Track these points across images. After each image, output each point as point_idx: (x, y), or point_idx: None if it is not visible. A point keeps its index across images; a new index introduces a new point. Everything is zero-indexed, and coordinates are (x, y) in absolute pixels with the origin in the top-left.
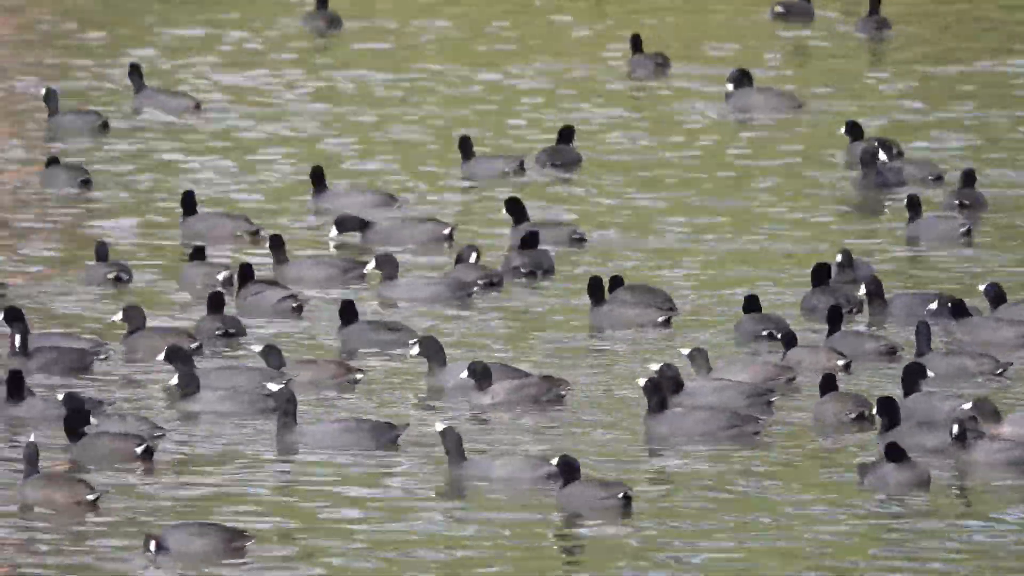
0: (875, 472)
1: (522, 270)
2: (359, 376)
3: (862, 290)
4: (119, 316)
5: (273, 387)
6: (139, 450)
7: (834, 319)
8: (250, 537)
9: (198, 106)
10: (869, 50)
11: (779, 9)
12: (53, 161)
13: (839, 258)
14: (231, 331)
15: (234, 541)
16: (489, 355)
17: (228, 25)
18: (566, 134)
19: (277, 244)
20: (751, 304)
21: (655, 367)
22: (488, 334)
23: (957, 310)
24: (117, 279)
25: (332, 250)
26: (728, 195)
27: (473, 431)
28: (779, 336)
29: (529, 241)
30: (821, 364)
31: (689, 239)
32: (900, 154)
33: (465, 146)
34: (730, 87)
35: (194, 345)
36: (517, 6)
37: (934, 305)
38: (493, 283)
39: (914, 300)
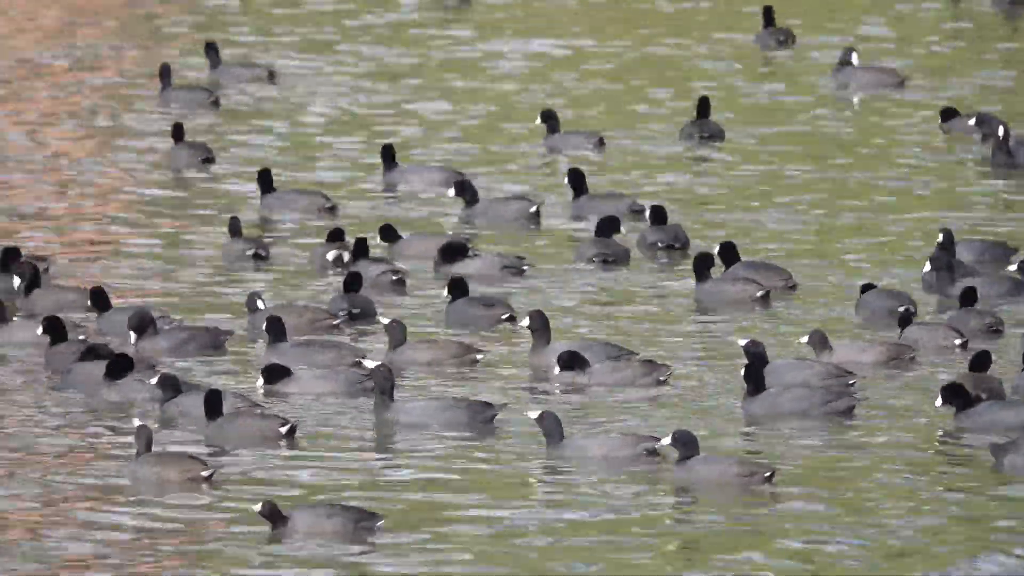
0: (1016, 453)
1: (659, 245)
2: (479, 356)
3: (927, 267)
4: (265, 307)
5: (370, 364)
6: (283, 430)
7: (967, 298)
8: (380, 517)
9: (272, 75)
10: (1004, 27)
11: None
12: (178, 135)
13: (940, 238)
14: (354, 311)
15: (363, 521)
16: (590, 331)
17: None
18: (704, 106)
19: (388, 231)
20: (869, 284)
21: (742, 343)
22: (588, 312)
23: None
24: (256, 256)
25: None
26: (841, 170)
27: (571, 410)
28: (903, 312)
29: (659, 216)
30: (938, 343)
31: (803, 215)
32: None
33: (549, 120)
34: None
35: (334, 322)
36: None
37: (1013, 267)
38: (607, 260)
39: (983, 282)
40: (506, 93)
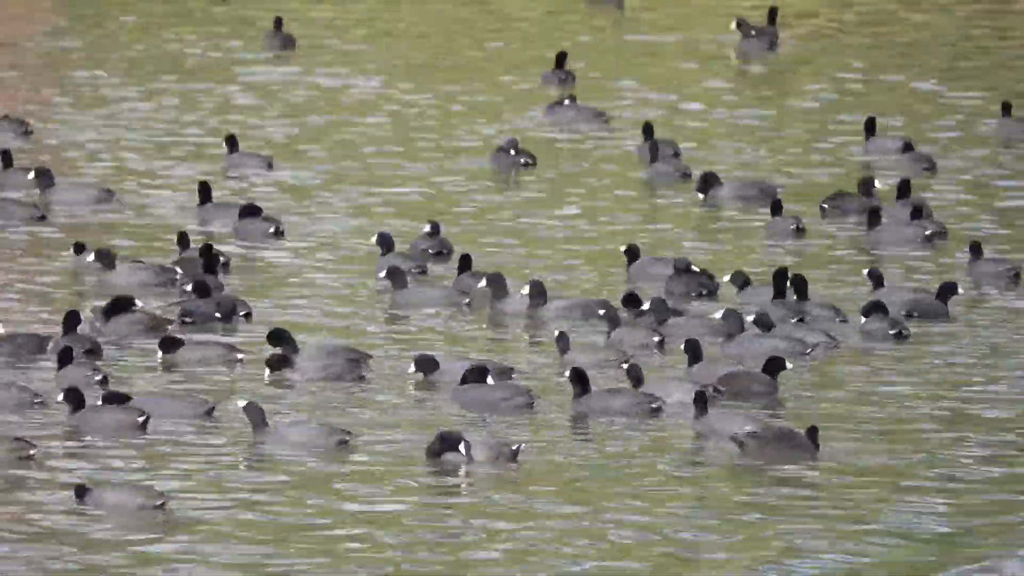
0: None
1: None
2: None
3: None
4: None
5: (241, 402)
6: (140, 420)
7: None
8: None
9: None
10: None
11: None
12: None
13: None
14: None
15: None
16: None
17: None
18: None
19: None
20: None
21: (414, 356)
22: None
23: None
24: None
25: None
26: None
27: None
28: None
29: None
30: (640, 341)
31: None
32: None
33: (230, 142)
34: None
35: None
36: None
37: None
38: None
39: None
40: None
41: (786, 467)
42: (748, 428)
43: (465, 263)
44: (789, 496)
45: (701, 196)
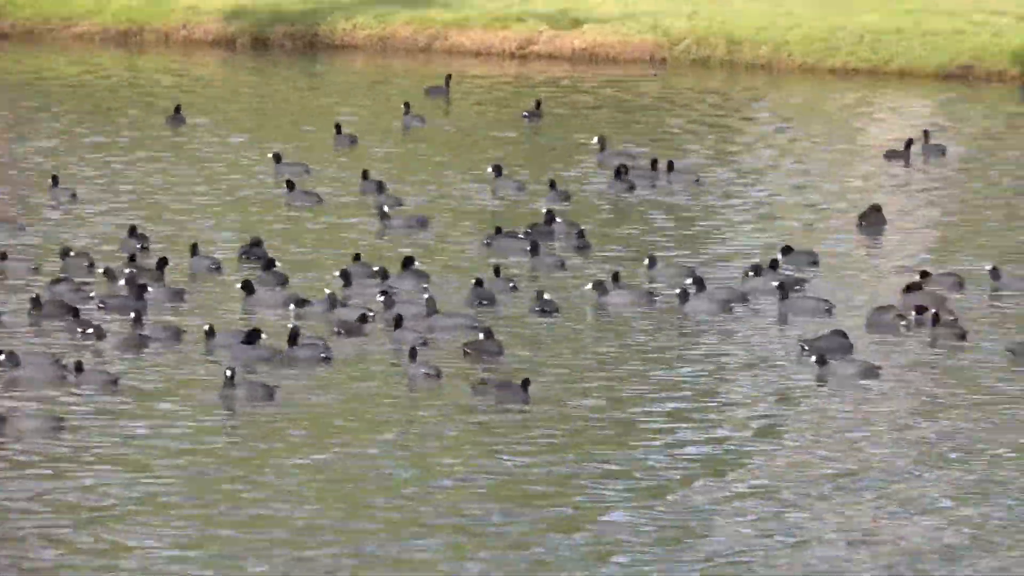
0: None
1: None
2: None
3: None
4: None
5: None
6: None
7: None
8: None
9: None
10: None
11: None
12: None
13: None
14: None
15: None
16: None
17: None
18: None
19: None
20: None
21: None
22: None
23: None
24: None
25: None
26: None
27: None
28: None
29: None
30: None
31: None
32: None
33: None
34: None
35: None
36: None
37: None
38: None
39: None
40: None
41: (505, 408)
42: (424, 371)
43: (408, 262)
44: (505, 431)
45: None
